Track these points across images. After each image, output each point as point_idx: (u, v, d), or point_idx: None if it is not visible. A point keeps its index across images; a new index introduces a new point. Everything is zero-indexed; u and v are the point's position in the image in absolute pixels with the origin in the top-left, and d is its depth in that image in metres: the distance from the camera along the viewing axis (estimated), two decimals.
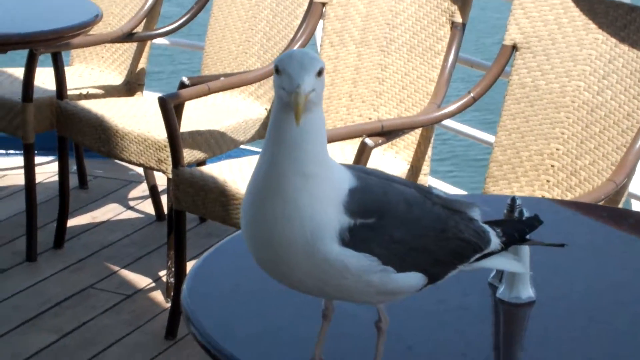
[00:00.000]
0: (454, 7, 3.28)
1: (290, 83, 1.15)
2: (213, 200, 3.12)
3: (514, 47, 3.19)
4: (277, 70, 1.18)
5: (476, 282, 1.63)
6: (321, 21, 3.67)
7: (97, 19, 3.68)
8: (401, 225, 1.30)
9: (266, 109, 3.86)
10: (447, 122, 3.64)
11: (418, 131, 3.27)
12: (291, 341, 1.47)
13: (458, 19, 3.26)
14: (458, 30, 3.30)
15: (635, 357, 1.54)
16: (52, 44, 3.69)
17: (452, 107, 3.29)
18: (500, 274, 1.63)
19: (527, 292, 1.57)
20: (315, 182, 1.23)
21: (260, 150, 3.81)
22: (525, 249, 1.59)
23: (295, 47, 3.61)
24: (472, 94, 3.25)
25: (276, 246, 1.23)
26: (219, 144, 3.66)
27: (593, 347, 1.52)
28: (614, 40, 3.05)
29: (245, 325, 1.52)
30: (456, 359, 1.47)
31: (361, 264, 1.24)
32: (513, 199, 1.63)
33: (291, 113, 1.13)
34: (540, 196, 3.05)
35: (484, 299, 1.64)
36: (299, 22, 3.71)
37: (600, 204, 2.66)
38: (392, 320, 1.36)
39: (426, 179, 3.38)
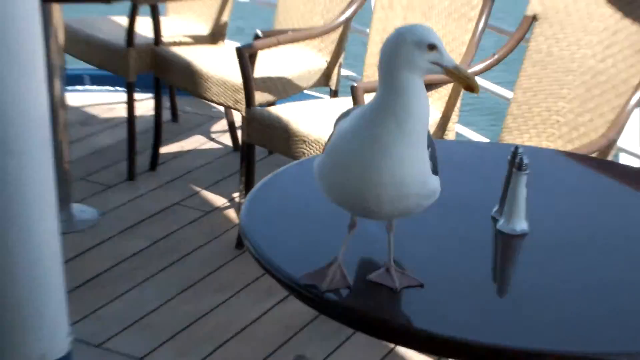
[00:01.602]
0: None
1: (449, 59, 1.34)
2: (278, 137, 3.33)
3: (534, 18, 3.31)
4: (432, 47, 1.34)
5: (481, 215, 1.78)
6: None
7: None
8: (432, 149, 1.43)
9: (326, 60, 4.01)
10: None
11: (450, 85, 3.35)
12: (324, 252, 1.53)
13: None
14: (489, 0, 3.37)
15: (606, 284, 1.61)
16: None
17: (479, 66, 3.43)
18: (501, 208, 1.71)
19: (521, 225, 1.67)
20: (415, 136, 1.37)
21: (318, 95, 4.03)
22: (523, 185, 1.68)
23: (352, 8, 3.87)
24: (496, 56, 3.39)
25: (398, 184, 1.37)
26: (285, 89, 3.86)
27: (572, 274, 1.64)
28: (619, 14, 3.11)
29: (289, 240, 1.68)
30: (455, 279, 1.58)
31: (438, 183, 1.44)
32: (516, 147, 1.71)
33: (430, 87, 1.45)
34: (545, 146, 3.17)
35: (486, 230, 1.75)
36: None
37: (593, 155, 2.82)
38: (401, 246, 1.54)
39: (454, 126, 3.47)
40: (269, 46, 3.61)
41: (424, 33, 1.34)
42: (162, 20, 4.25)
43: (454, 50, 3.47)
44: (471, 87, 1.39)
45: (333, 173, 1.44)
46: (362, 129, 1.37)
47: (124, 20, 4.10)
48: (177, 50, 4.02)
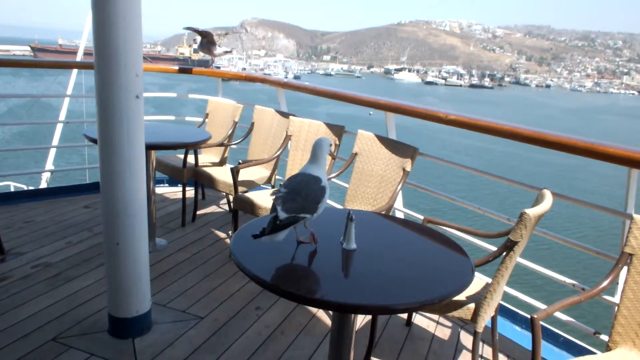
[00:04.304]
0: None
1: (332, 153, 1.61)
2: (248, 206, 3.14)
3: (356, 154, 3.14)
4: (331, 145, 1.57)
5: (336, 241, 1.62)
6: None
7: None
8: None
9: (269, 172, 3.84)
10: None
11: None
12: (269, 257, 1.47)
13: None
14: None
15: (392, 272, 1.51)
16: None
17: (337, 172, 3.19)
18: (343, 236, 1.60)
19: (353, 245, 1.58)
20: (324, 174, 1.56)
21: (265, 187, 3.69)
22: (352, 227, 1.56)
23: (280, 150, 3.71)
24: (339, 171, 3.17)
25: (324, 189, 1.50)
26: (251, 185, 3.69)
27: (376, 267, 1.53)
28: (389, 152, 2.98)
29: (257, 258, 1.48)
30: (323, 269, 1.50)
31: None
32: (349, 211, 1.60)
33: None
34: (368, 209, 2.96)
35: (337, 246, 1.61)
36: None
37: (383, 212, 2.65)
38: (304, 250, 1.51)
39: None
40: (244, 167, 3.55)
41: (329, 140, 1.57)
42: (199, 155, 4.17)
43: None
44: (332, 157, 1.61)
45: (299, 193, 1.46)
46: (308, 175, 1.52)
47: (182, 156, 4.01)
48: (205, 169, 3.96)
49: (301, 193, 1.46)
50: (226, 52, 4.71)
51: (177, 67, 4.82)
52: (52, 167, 8.21)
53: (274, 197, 1.49)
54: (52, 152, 8.42)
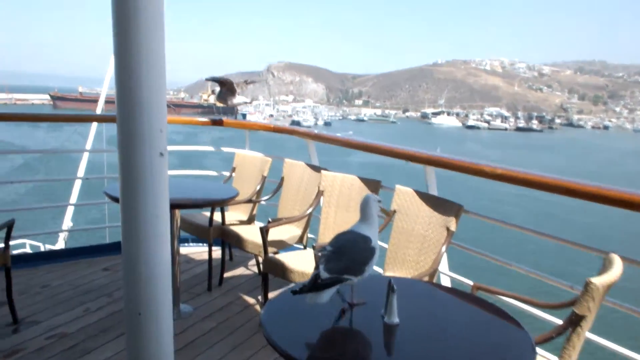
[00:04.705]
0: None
1: (382, 206, 1.68)
2: (279, 269, 3.22)
3: (394, 211, 3.15)
4: (379, 201, 1.68)
5: (376, 314, 1.65)
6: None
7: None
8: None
9: (301, 231, 3.89)
10: None
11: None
12: (306, 334, 1.52)
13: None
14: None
15: (439, 356, 1.51)
16: None
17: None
18: (384, 309, 1.62)
19: (395, 319, 1.59)
20: (376, 230, 1.67)
21: (298, 246, 3.67)
22: (394, 298, 1.58)
23: (312, 207, 3.79)
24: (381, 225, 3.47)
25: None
26: (281, 245, 3.77)
27: (421, 343, 1.57)
28: (431, 209, 3.01)
29: (290, 332, 1.56)
30: (365, 344, 1.54)
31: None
32: (390, 280, 1.63)
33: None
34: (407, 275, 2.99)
35: (378, 320, 1.63)
36: None
37: (425, 279, 2.72)
38: (342, 326, 1.56)
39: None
40: (274, 227, 3.63)
41: (376, 197, 1.65)
42: (226, 213, 4.25)
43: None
44: (386, 213, 1.73)
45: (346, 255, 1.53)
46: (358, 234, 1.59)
47: (208, 213, 4.08)
48: (232, 227, 4.05)
49: (347, 253, 1.51)
50: (246, 103, 4.80)
51: (207, 119, 4.94)
52: (71, 224, 8.39)
53: (318, 254, 1.59)
54: (71, 208, 8.63)
